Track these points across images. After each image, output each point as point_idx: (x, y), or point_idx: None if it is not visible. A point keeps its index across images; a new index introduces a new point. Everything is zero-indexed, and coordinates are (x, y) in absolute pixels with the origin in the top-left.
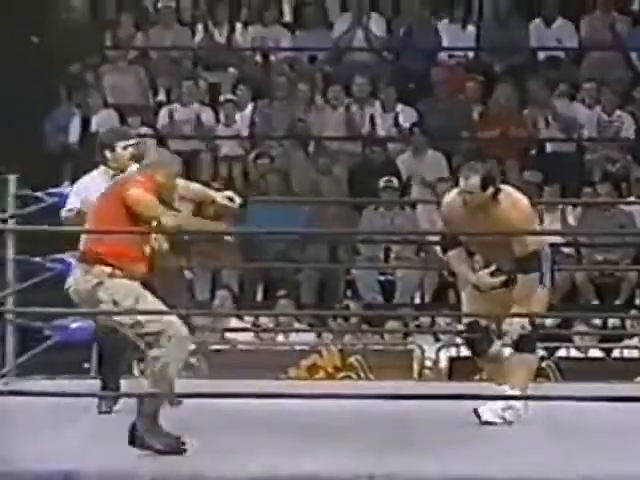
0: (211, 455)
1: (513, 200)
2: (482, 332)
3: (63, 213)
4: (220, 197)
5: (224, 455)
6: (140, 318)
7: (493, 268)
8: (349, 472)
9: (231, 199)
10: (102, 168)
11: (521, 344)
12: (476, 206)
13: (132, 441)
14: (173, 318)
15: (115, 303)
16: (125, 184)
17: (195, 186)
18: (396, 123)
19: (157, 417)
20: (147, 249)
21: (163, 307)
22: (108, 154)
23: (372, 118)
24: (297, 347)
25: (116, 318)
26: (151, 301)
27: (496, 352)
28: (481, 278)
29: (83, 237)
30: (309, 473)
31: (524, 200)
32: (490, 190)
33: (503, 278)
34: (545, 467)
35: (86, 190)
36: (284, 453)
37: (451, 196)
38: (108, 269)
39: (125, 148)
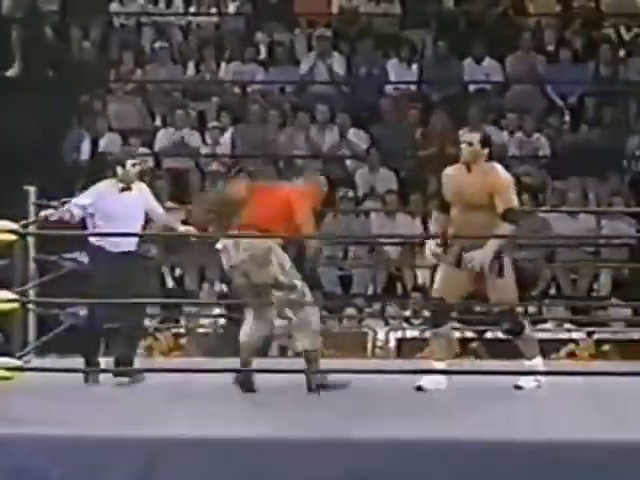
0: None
1: (502, 169)
2: (445, 308)
3: (73, 207)
4: None
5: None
6: (297, 282)
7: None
8: (323, 434)
9: None
10: (113, 181)
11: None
12: (470, 164)
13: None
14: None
15: (282, 267)
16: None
17: None
18: (349, 143)
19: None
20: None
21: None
22: (119, 170)
23: (332, 140)
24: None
25: (280, 278)
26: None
27: (447, 330)
28: (430, 245)
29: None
30: (290, 435)
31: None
32: (486, 150)
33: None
34: (475, 426)
35: (99, 196)
36: (263, 419)
37: (450, 168)
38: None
39: (133, 165)
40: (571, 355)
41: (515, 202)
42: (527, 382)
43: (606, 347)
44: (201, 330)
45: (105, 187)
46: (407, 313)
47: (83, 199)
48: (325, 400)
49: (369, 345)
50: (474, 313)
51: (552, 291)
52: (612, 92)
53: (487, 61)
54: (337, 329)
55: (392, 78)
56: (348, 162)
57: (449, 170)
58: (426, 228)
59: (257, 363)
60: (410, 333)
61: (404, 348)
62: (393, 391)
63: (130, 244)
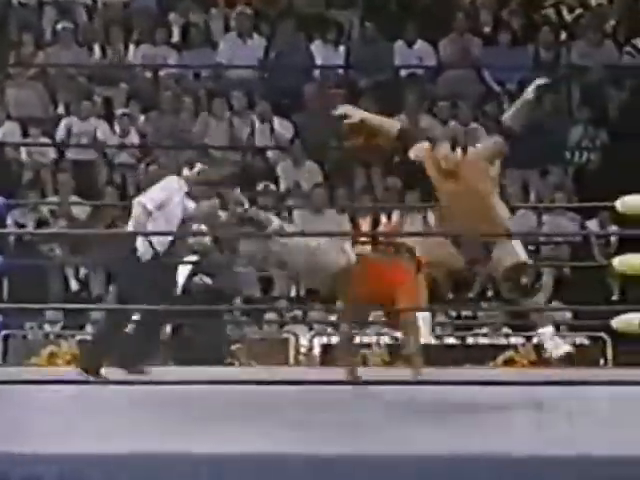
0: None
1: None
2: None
3: (149, 204)
4: None
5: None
6: None
7: None
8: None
9: None
10: (177, 177)
11: None
12: (447, 168)
13: None
14: None
15: None
16: None
17: None
18: (272, 134)
19: None
20: None
21: None
22: (186, 171)
23: (252, 129)
24: None
25: None
26: None
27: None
28: None
29: None
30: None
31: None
32: (458, 152)
33: None
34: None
35: (170, 193)
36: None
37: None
38: None
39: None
40: (509, 362)
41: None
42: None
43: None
44: None
45: (178, 184)
46: (333, 317)
47: (157, 197)
48: None
49: (291, 352)
50: None
51: (489, 293)
52: (554, 77)
53: (419, 44)
54: (257, 335)
55: (316, 62)
56: (270, 153)
57: None
58: (355, 225)
59: None
60: (336, 339)
61: (329, 355)
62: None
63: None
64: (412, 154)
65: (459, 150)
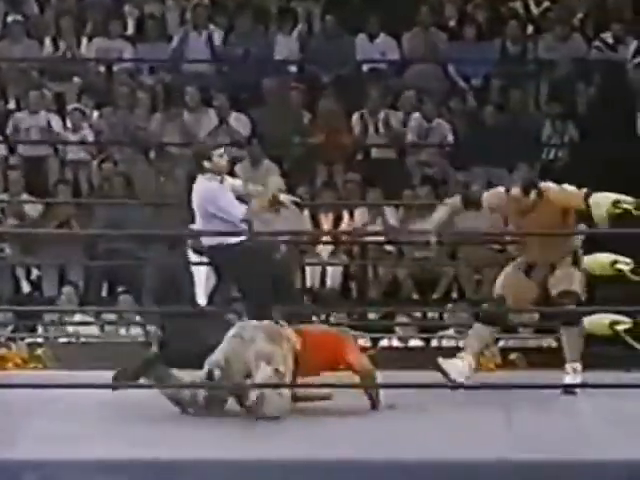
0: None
1: (553, 188)
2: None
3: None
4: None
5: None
6: None
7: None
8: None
9: None
10: (207, 175)
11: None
12: (525, 208)
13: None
14: None
15: None
16: None
17: None
18: (230, 129)
19: None
20: None
21: None
22: (206, 163)
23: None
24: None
25: None
26: None
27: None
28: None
29: None
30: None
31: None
32: (532, 194)
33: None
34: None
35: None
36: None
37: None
38: None
39: (221, 156)
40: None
41: (574, 189)
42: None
43: (513, 356)
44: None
45: (217, 181)
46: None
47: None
48: None
49: None
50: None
51: (454, 294)
52: (520, 72)
53: (382, 38)
54: None
55: (275, 56)
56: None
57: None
58: (317, 224)
59: None
60: None
61: None
62: None
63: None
64: (488, 203)
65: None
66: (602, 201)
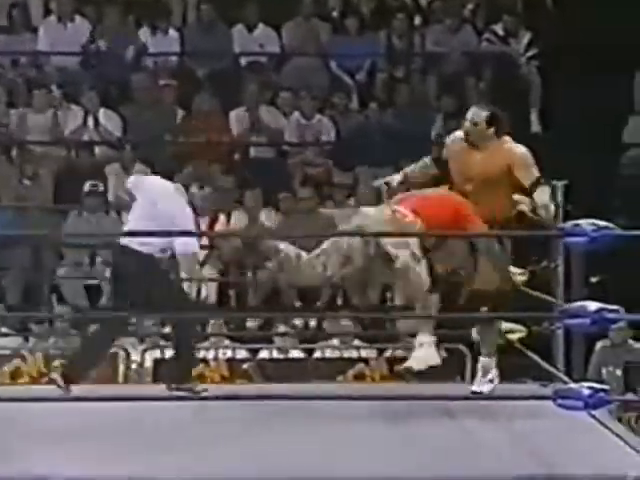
0: None
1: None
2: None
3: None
4: None
5: None
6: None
7: None
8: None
9: None
10: None
11: None
12: (477, 142)
13: None
14: None
15: None
16: None
17: None
18: (98, 127)
19: None
20: None
21: None
22: None
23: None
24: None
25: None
26: None
27: None
28: None
29: None
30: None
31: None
32: (492, 129)
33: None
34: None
35: None
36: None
37: (455, 134)
38: None
39: None
40: (360, 377)
41: (537, 172)
42: (483, 386)
43: (400, 367)
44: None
45: None
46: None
47: None
48: None
49: (121, 367)
50: None
51: (338, 301)
52: (407, 67)
53: (261, 28)
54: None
55: (148, 50)
56: (97, 150)
57: (454, 146)
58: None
59: None
60: (169, 353)
61: (162, 370)
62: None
63: None
64: (447, 150)
65: None
66: (548, 194)
